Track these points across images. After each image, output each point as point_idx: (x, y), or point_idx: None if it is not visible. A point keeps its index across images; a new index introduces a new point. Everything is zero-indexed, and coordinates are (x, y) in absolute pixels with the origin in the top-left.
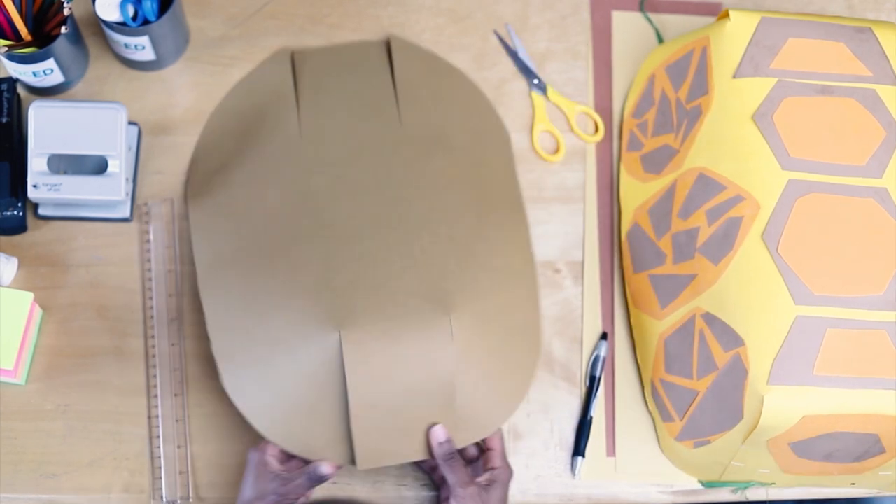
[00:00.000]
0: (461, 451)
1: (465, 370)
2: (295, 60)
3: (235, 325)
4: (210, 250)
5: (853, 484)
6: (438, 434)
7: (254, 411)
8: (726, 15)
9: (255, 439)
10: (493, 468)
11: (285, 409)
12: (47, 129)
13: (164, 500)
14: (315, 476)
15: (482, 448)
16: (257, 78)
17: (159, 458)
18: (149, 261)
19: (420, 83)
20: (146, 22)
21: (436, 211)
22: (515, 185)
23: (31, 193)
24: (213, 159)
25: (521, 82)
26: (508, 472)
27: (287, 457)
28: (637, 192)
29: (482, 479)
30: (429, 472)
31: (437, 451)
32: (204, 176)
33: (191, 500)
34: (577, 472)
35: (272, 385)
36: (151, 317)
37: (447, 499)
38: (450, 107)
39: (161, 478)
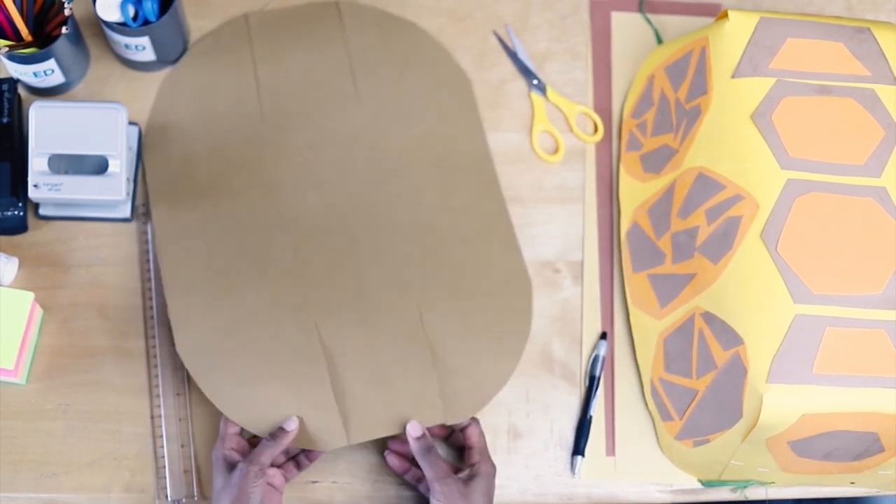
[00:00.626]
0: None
1: (444, 348)
2: (249, 24)
3: (198, 292)
4: (169, 217)
5: (853, 483)
6: (414, 430)
7: (204, 376)
8: (725, 15)
9: (257, 437)
10: (472, 464)
11: (243, 382)
12: (48, 129)
13: (170, 499)
14: (279, 434)
15: (466, 445)
16: (215, 42)
17: (163, 457)
18: (148, 261)
19: (373, 46)
20: (147, 22)
21: (398, 196)
22: (479, 131)
23: (32, 193)
24: (171, 129)
25: (520, 83)
26: (489, 465)
27: (248, 447)
28: (636, 192)
29: (462, 474)
30: (414, 483)
31: (413, 446)
32: (163, 142)
33: (196, 498)
34: (576, 471)
35: (231, 358)
36: (152, 317)
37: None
38: (405, 66)
39: (165, 477)
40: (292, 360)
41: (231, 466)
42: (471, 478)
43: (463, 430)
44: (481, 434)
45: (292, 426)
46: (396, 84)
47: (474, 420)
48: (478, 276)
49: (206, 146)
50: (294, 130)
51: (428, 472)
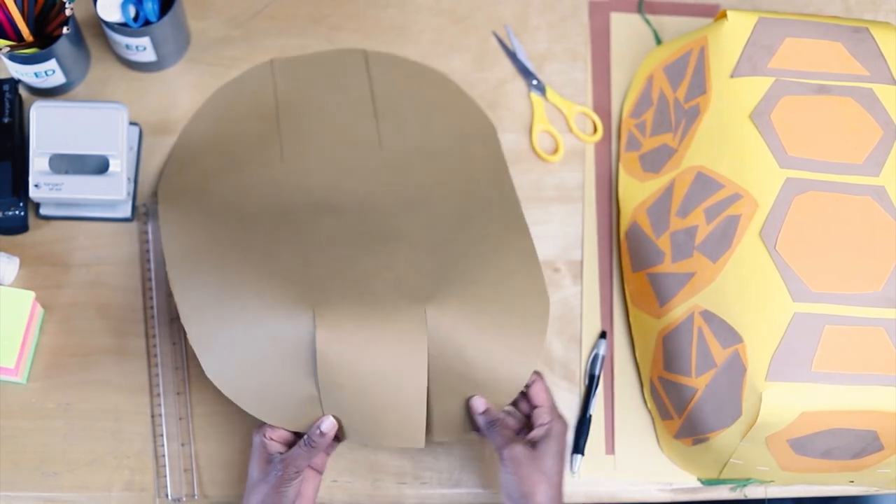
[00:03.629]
0: (514, 406)
1: (446, 361)
2: (275, 70)
3: (209, 311)
4: (178, 242)
5: (852, 481)
6: (477, 405)
7: (238, 393)
8: (724, 15)
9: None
10: (542, 424)
11: (268, 387)
12: (49, 130)
13: (170, 497)
14: (314, 439)
15: (532, 404)
16: (238, 88)
17: (163, 455)
18: (148, 261)
19: (399, 94)
20: (147, 23)
21: (416, 221)
22: (504, 177)
23: (33, 193)
24: (189, 167)
25: (520, 83)
26: (560, 424)
27: (292, 438)
28: (636, 192)
29: (529, 435)
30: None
31: (479, 421)
32: (179, 179)
33: (196, 497)
34: (576, 469)
35: (251, 366)
36: (152, 316)
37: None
38: (430, 113)
39: (166, 476)
40: (287, 355)
41: (268, 455)
42: (540, 439)
43: (527, 387)
44: (547, 390)
45: (327, 426)
46: (420, 129)
47: (537, 375)
48: (494, 287)
49: (224, 183)
50: (313, 170)
51: (495, 441)
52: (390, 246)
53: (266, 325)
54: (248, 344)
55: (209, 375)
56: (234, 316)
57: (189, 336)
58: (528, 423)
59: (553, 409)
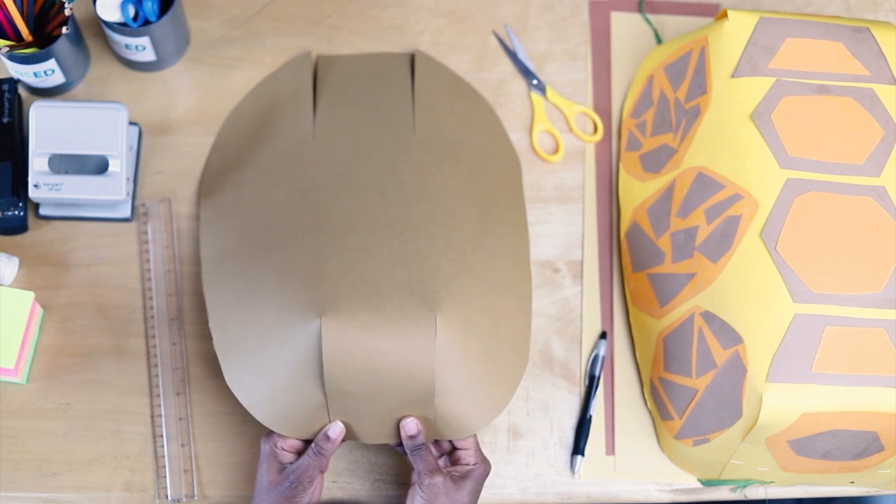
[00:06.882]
0: (436, 443)
1: (446, 370)
2: (319, 66)
3: (233, 317)
4: (215, 247)
5: (852, 482)
6: (409, 427)
7: (252, 402)
8: (724, 15)
9: (257, 436)
10: (467, 464)
11: (278, 396)
12: (48, 129)
13: (170, 498)
14: (322, 445)
15: (454, 445)
16: (277, 80)
17: (163, 456)
18: (148, 261)
19: (439, 98)
20: (147, 23)
21: (437, 215)
22: (521, 207)
23: (33, 193)
24: (226, 158)
25: (520, 83)
26: (485, 466)
27: (302, 446)
28: (636, 192)
29: (452, 469)
30: (403, 454)
31: (406, 443)
32: (216, 175)
33: (196, 497)
34: (576, 470)
35: (265, 374)
36: (152, 316)
37: (415, 485)
38: (465, 125)
39: (166, 476)
40: (298, 364)
41: (280, 465)
42: (463, 477)
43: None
44: (474, 434)
45: (335, 432)
46: (453, 134)
47: None
48: (489, 323)
49: (256, 165)
50: (342, 145)
51: (418, 465)
52: (406, 236)
53: (278, 334)
54: (262, 353)
55: (229, 383)
56: (252, 324)
57: (214, 342)
58: (445, 456)
59: (478, 451)
